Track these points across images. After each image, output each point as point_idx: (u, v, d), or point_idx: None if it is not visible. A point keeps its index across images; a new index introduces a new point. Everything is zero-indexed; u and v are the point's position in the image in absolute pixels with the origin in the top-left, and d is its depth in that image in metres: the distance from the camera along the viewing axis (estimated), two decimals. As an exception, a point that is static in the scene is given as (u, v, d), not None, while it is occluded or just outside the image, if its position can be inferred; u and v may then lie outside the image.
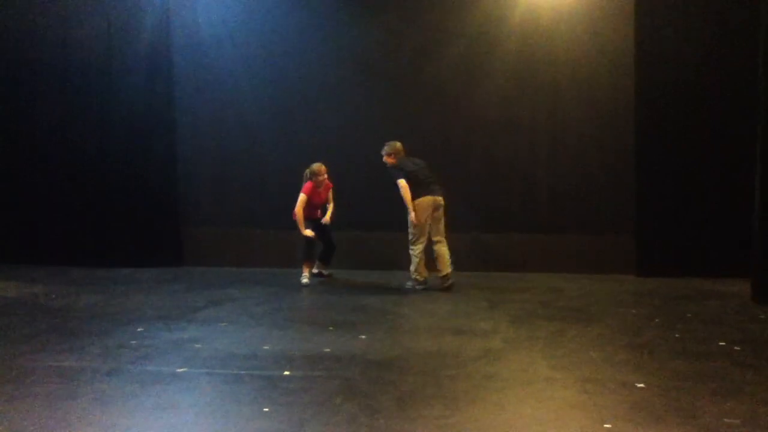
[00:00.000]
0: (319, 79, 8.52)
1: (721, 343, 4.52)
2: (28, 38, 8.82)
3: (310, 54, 8.55)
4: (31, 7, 8.81)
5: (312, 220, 7.40)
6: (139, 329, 4.94)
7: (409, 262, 7.03)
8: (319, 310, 5.82)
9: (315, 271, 7.64)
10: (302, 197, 7.22)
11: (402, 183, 6.89)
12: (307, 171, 7.40)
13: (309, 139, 8.38)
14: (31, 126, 8.85)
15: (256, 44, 8.65)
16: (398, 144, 7.17)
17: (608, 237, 8.14)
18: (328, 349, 4.33)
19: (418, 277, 6.99)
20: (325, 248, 7.62)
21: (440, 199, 6.99)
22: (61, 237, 8.72)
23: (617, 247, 8.10)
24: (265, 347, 4.40)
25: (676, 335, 4.78)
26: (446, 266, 6.94)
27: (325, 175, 7.37)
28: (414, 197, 6.91)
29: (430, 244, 7.03)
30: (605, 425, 2.95)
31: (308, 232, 7.21)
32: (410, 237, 6.96)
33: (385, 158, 7.16)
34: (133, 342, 4.54)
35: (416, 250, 6.95)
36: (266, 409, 3.16)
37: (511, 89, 8.31)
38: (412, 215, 6.84)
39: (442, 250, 7.00)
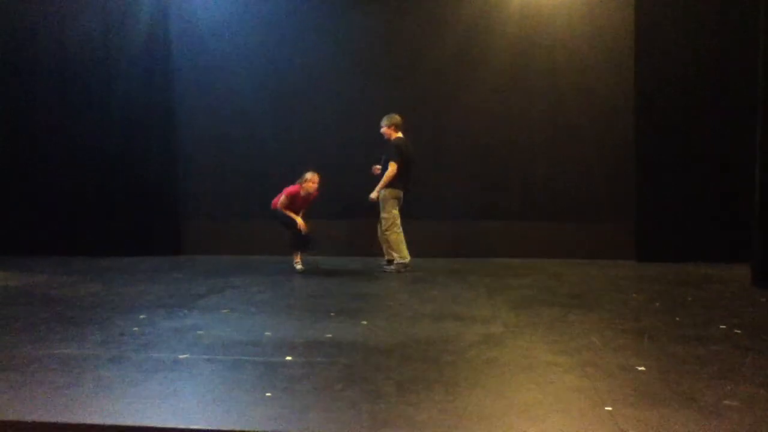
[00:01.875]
0: (315, 70, 8.54)
1: (721, 327, 4.53)
2: (27, 33, 8.84)
3: (307, 45, 8.57)
4: (29, 1, 8.78)
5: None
6: (140, 317, 4.96)
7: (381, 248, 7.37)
8: (320, 298, 5.82)
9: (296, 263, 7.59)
10: (283, 199, 7.21)
11: (394, 168, 7.06)
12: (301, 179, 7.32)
13: (306, 129, 8.40)
14: (30, 119, 8.87)
15: (253, 35, 8.66)
16: (398, 117, 7.30)
17: (608, 223, 8.17)
18: (329, 336, 4.35)
19: (400, 258, 7.19)
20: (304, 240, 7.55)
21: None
22: (62, 227, 8.76)
23: (617, 232, 8.13)
24: (267, 334, 4.41)
25: (677, 319, 4.79)
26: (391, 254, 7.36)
27: (315, 185, 7.28)
28: (392, 184, 7.14)
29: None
30: (606, 408, 2.97)
31: (298, 219, 7.21)
32: (385, 223, 7.20)
33: (384, 129, 7.31)
34: (135, 330, 4.55)
35: (394, 233, 7.18)
36: (268, 395, 3.18)
37: (509, 78, 8.32)
38: (374, 195, 7.11)
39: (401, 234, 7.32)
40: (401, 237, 7.23)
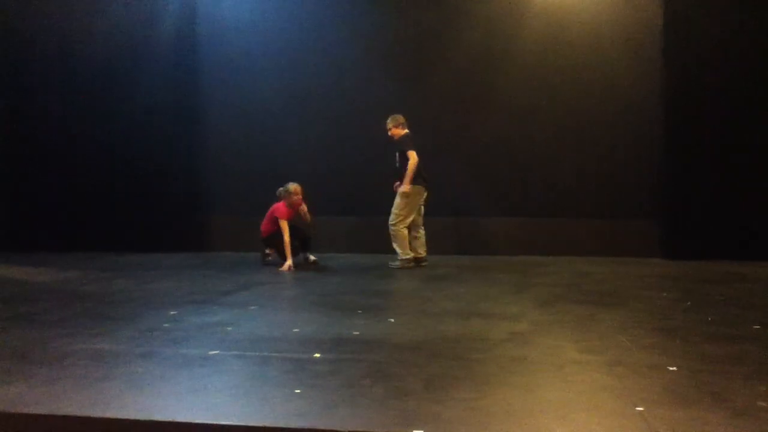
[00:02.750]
0: (337, 67, 8.59)
1: (755, 327, 4.46)
2: (55, 28, 8.96)
3: (330, 43, 8.61)
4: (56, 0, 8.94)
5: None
6: (170, 313, 5.02)
7: (390, 242, 7.40)
8: (346, 294, 5.84)
9: (312, 258, 7.71)
10: (284, 225, 7.24)
11: (414, 155, 7.13)
12: (282, 190, 7.39)
13: (329, 126, 8.43)
14: (59, 115, 9.01)
15: (278, 33, 8.74)
16: (401, 116, 7.40)
17: (635, 220, 8.08)
18: (356, 333, 4.36)
19: (405, 255, 7.25)
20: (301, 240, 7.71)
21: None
22: (90, 224, 8.90)
23: (644, 230, 8.04)
24: (295, 330, 4.44)
25: (708, 318, 4.72)
26: (424, 249, 7.42)
27: (300, 196, 7.37)
28: (414, 180, 7.21)
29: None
30: (636, 408, 2.93)
31: (288, 260, 7.23)
32: (395, 218, 7.22)
33: (392, 131, 7.39)
34: (165, 325, 4.61)
35: (401, 230, 7.24)
36: (297, 391, 3.19)
37: (533, 73, 8.26)
38: (407, 188, 7.10)
39: (421, 233, 7.40)
40: (406, 233, 7.30)
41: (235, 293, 5.88)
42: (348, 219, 8.20)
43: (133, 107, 8.84)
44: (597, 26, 8.11)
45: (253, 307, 5.24)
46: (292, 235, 7.42)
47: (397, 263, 7.28)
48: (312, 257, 7.76)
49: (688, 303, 5.30)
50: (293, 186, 7.37)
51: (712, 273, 6.84)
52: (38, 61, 9.05)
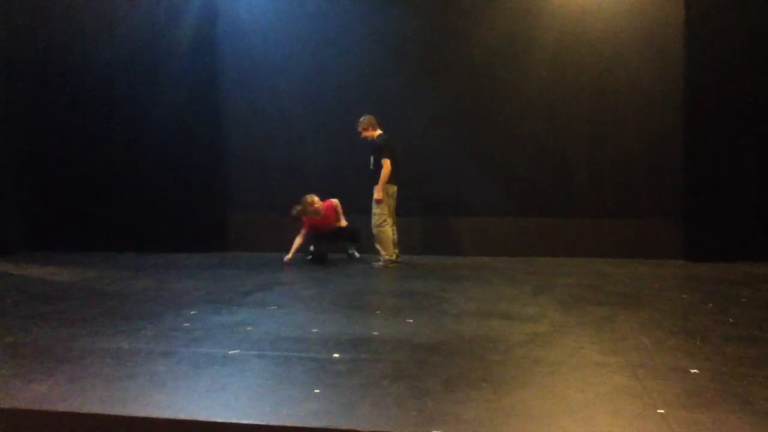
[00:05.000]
0: (355, 66, 8.57)
1: (777, 329, 4.41)
2: (77, 34, 9.04)
3: (347, 41, 8.60)
4: (79, 3, 9.02)
5: (317, 237, 7.88)
6: (190, 312, 5.06)
7: (371, 243, 7.58)
8: (365, 295, 5.85)
9: (357, 254, 8.10)
10: (305, 232, 7.76)
11: (388, 164, 7.34)
12: (299, 209, 7.74)
13: (346, 126, 8.41)
14: (79, 114, 9.08)
15: (295, 31, 8.74)
16: (371, 117, 7.61)
17: (657, 221, 7.99)
18: (375, 333, 4.37)
19: (387, 256, 7.40)
20: (349, 236, 8.06)
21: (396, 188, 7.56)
22: (111, 224, 8.96)
23: (666, 231, 7.94)
24: (314, 330, 4.45)
25: (730, 320, 4.67)
26: (397, 248, 7.60)
27: (319, 204, 7.68)
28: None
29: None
30: (658, 411, 2.91)
31: (289, 254, 7.67)
32: (377, 219, 7.40)
33: (363, 133, 7.59)
34: (186, 325, 4.65)
35: (384, 231, 7.40)
36: (317, 391, 3.21)
37: (553, 71, 8.19)
38: (379, 194, 7.31)
39: (393, 232, 7.57)
40: (389, 234, 7.46)
41: (254, 293, 5.92)
42: (367, 219, 8.18)
43: (153, 106, 8.88)
44: (617, 24, 8.02)
45: (272, 307, 5.27)
46: (336, 235, 7.94)
47: (381, 263, 7.42)
48: (357, 254, 8.07)
49: (710, 305, 5.24)
50: (309, 198, 7.66)
51: (734, 274, 6.75)
52: (59, 61, 9.12)
